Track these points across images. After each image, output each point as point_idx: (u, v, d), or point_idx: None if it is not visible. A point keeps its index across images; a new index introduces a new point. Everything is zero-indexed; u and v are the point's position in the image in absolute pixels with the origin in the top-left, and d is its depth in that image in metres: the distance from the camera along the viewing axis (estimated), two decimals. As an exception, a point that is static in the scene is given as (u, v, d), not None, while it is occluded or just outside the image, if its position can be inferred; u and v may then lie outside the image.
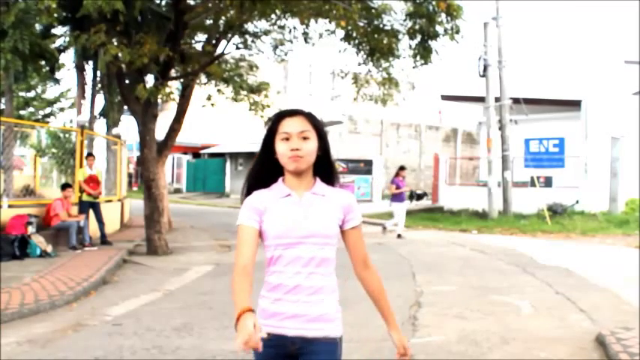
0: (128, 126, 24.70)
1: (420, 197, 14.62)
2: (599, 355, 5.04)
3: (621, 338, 5.17)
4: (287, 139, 2.10)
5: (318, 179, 2.20)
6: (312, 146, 2.12)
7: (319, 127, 2.16)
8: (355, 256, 2.24)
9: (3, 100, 17.54)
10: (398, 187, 14.17)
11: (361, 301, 6.83)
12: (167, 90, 11.10)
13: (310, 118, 2.16)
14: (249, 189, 2.21)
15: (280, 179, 2.18)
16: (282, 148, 2.11)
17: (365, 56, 12.25)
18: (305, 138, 2.10)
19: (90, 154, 12.62)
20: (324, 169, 2.22)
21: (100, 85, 17.13)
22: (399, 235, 14.07)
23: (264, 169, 2.20)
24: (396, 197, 14.23)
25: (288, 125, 2.12)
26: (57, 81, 24.34)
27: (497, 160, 18.57)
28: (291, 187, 2.16)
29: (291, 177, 2.16)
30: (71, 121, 20.52)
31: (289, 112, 2.17)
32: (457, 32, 10.65)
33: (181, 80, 12.46)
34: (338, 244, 2.19)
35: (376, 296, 2.26)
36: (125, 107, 14.22)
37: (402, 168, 14.80)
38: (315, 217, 2.12)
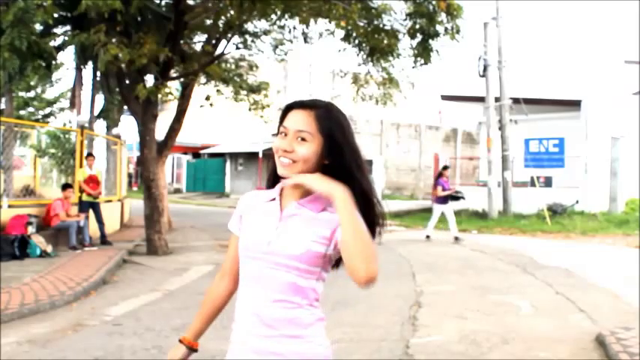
0: (128, 126, 24.69)
1: (457, 198, 14.00)
2: (599, 355, 5.04)
3: (621, 338, 5.17)
4: (285, 134, 1.73)
5: None
6: (306, 151, 1.70)
7: (329, 129, 1.72)
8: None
9: (3, 100, 17.52)
10: (444, 189, 13.41)
11: (361, 301, 6.86)
12: (167, 90, 11.11)
13: (320, 115, 1.73)
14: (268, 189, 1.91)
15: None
16: (274, 145, 1.74)
17: (365, 56, 12.25)
18: (302, 139, 1.71)
19: (90, 154, 12.62)
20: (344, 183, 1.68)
21: (99, 85, 17.12)
22: (456, 238, 13.29)
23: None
24: (440, 199, 13.50)
25: (290, 119, 1.74)
26: (51, 82, 24.30)
27: (497, 160, 18.58)
28: (286, 192, 1.80)
29: None
30: (70, 122, 20.51)
31: (300, 104, 1.77)
32: (457, 32, 10.67)
33: (181, 80, 12.46)
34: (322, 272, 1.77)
35: None
36: (125, 107, 14.21)
37: (445, 168, 14.08)
38: (285, 232, 1.73)
